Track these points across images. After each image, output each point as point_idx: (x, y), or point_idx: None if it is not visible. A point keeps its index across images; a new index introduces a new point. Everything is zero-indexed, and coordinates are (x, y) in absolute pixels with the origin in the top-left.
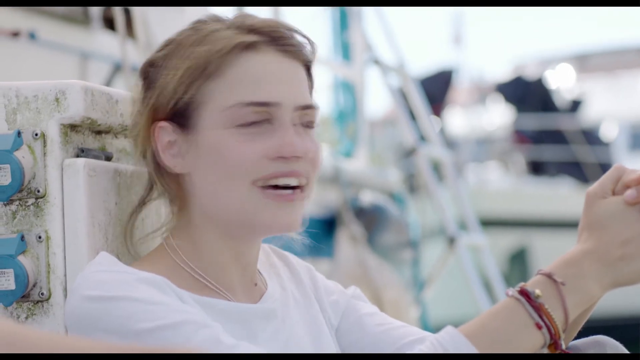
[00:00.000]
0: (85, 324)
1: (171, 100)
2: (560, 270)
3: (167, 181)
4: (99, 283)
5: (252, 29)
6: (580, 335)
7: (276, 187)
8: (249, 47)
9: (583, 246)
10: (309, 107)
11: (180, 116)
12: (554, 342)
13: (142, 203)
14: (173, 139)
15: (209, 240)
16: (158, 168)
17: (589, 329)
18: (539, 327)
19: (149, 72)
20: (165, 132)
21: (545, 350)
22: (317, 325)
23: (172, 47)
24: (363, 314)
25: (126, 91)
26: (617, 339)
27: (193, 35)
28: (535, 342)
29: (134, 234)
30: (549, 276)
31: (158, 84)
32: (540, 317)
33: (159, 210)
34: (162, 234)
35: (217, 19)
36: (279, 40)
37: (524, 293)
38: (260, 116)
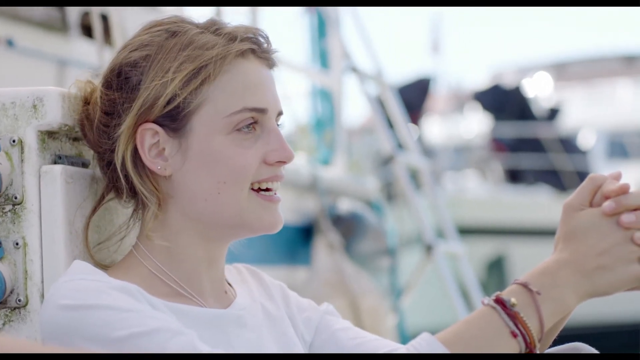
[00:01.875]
0: (61, 333)
1: (164, 102)
2: (535, 279)
3: (146, 183)
4: (73, 292)
5: (234, 37)
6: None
7: (265, 189)
8: (240, 54)
9: (559, 256)
10: (281, 114)
11: (172, 119)
12: (529, 350)
13: (99, 204)
14: (157, 140)
15: (185, 244)
16: (136, 169)
17: (585, 335)
18: (515, 336)
19: (130, 73)
20: (150, 133)
21: None
22: (286, 338)
23: (153, 48)
24: (337, 329)
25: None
26: (614, 346)
27: (172, 38)
28: (510, 350)
29: (95, 238)
30: (524, 285)
31: (145, 85)
32: (516, 325)
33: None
34: (130, 239)
35: (189, 22)
36: (260, 48)
37: (499, 302)
38: (253, 120)
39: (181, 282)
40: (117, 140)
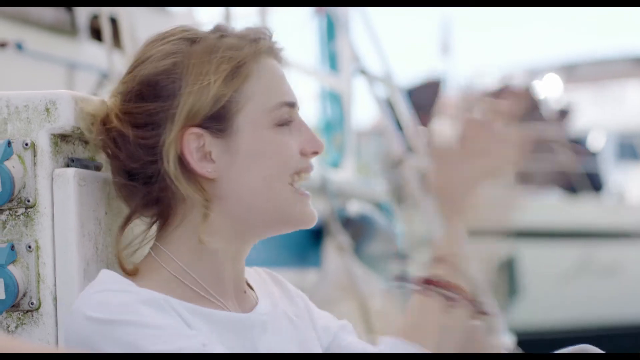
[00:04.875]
0: (88, 344)
1: (209, 105)
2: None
3: (192, 188)
4: (102, 304)
5: (254, 37)
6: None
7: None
8: (266, 52)
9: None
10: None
11: (217, 120)
12: (473, 304)
13: (134, 215)
14: (202, 144)
15: (219, 245)
16: (182, 176)
17: (589, 338)
18: (453, 300)
19: (165, 81)
20: (194, 138)
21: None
22: (308, 344)
23: (180, 56)
24: (353, 341)
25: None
26: (616, 348)
27: (195, 44)
28: (458, 316)
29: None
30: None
31: (187, 90)
32: (449, 291)
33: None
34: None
35: (196, 29)
36: (273, 46)
37: (423, 282)
38: (288, 115)
39: (204, 282)
40: (163, 149)
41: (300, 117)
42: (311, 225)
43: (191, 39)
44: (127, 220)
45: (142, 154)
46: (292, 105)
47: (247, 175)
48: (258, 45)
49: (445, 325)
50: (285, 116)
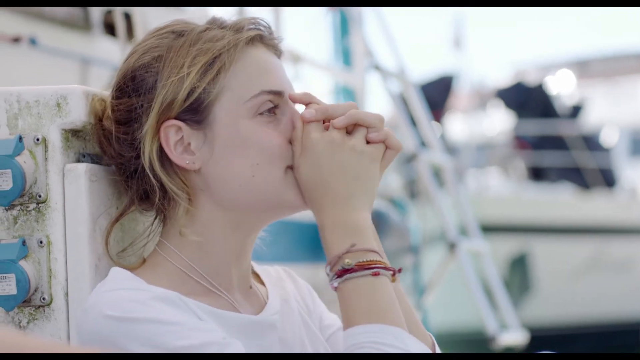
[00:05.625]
0: (110, 343)
1: (183, 96)
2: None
3: (175, 180)
4: (117, 302)
5: (240, 27)
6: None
7: None
8: (249, 42)
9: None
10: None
11: (193, 112)
12: (390, 270)
13: (122, 214)
14: (181, 136)
15: (217, 236)
16: (164, 169)
17: (601, 334)
18: (376, 274)
19: (144, 75)
20: (173, 130)
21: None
22: (316, 341)
23: (163, 49)
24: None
25: None
26: (628, 344)
27: (180, 37)
28: (386, 283)
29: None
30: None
31: (162, 83)
32: (370, 268)
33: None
34: (151, 239)
35: (192, 22)
36: (263, 35)
37: (345, 271)
38: (272, 104)
39: (209, 277)
40: (141, 144)
41: (292, 106)
42: (304, 207)
43: (178, 32)
44: (120, 214)
45: (126, 150)
46: (276, 93)
47: (229, 164)
48: (239, 36)
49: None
50: (266, 105)
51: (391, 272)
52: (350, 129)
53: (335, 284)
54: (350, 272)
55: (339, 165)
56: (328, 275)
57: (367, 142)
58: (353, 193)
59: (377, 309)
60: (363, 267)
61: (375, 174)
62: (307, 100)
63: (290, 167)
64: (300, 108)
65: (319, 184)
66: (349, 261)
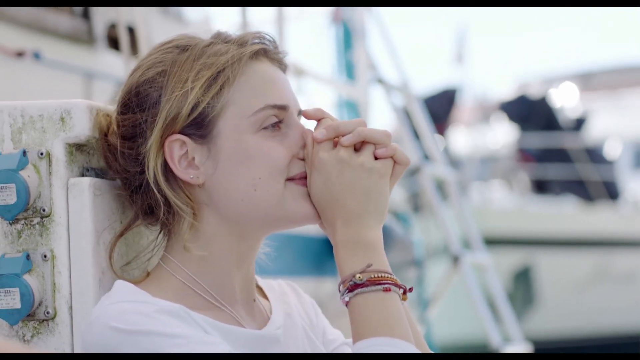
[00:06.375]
0: (110, 353)
1: (187, 111)
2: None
3: (179, 195)
4: (123, 315)
5: (244, 41)
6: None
7: (299, 178)
8: (253, 56)
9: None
10: (300, 112)
11: (197, 126)
12: (402, 288)
13: (127, 228)
14: (185, 151)
15: (220, 249)
16: (168, 183)
17: (605, 346)
18: (388, 290)
19: (148, 90)
20: (178, 145)
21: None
22: (320, 351)
23: (167, 64)
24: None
25: None
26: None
27: (184, 52)
28: (395, 299)
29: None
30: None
31: (166, 98)
32: (382, 284)
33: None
34: (155, 253)
35: (197, 37)
36: (268, 49)
37: (356, 286)
38: (277, 119)
39: (213, 291)
40: (145, 159)
41: (296, 120)
42: (307, 221)
43: (182, 46)
44: (124, 229)
45: (130, 165)
46: (280, 107)
47: (232, 179)
48: (243, 50)
49: (404, 313)
50: (270, 119)
51: (402, 290)
52: (358, 146)
53: (347, 299)
54: (362, 287)
55: (349, 182)
56: (340, 291)
57: (375, 158)
58: (364, 210)
59: (386, 323)
60: (374, 282)
61: (385, 190)
62: (320, 116)
63: (291, 180)
64: (310, 123)
65: (330, 203)
66: (359, 276)
